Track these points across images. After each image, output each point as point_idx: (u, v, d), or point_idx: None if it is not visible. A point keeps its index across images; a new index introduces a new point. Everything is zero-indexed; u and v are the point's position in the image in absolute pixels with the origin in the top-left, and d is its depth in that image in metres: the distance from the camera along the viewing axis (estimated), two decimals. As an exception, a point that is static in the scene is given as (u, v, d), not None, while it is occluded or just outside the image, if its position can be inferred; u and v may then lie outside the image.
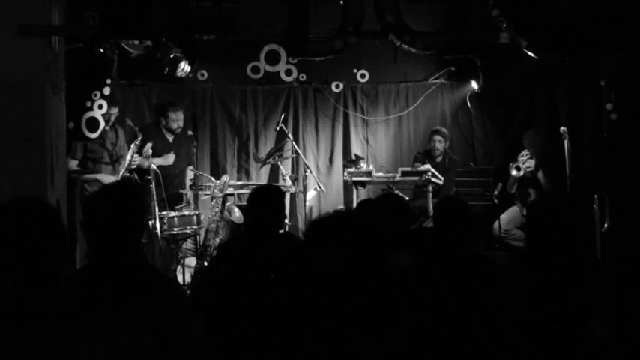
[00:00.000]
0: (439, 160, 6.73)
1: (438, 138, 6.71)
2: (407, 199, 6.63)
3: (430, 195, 6.12)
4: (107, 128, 5.65)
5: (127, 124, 5.92)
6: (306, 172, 6.64)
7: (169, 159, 6.25)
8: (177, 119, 6.34)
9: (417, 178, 6.17)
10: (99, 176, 5.52)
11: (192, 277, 5.73)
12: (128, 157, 5.70)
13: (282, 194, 3.71)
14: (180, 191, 6.37)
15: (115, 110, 5.76)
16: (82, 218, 2.14)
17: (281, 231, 4.08)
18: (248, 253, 3.37)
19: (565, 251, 2.31)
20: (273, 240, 3.45)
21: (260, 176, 7.42)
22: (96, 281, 2.03)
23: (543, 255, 2.35)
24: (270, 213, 3.47)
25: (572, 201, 5.60)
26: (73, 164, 5.42)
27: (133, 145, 5.74)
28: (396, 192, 6.50)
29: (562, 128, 5.84)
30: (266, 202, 3.48)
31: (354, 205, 6.28)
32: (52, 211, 1.73)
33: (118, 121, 5.93)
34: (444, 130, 6.87)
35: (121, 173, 5.60)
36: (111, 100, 5.57)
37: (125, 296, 1.97)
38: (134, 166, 5.76)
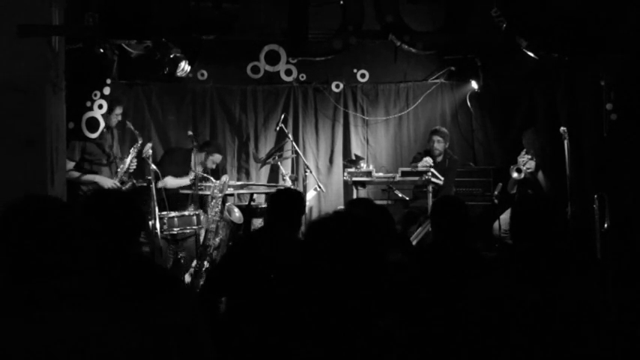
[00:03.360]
0: (439, 159, 6.73)
1: (437, 138, 6.71)
2: (407, 198, 6.64)
3: (430, 195, 6.12)
4: (105, 130, 5.66)
5: (127, 126, 5.92)
6: (306, 172, 6.64)
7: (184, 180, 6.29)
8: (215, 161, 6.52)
9: (417, 178, 6.17)
10: (97, 178, 5.50)
11: (192, 277, 5.73)
12: (128, 160, 5.70)
13: (303, 198, 3.92)
14: (180, 191, 6.37)
15: (120, 110, 5.78)
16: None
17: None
18: (253, 254, 3.38)
19: (546, 247, 2.32)
20: (274, 240, 3.46)
21: (260, 176, 7.42)
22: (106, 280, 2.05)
23: (525, 251, 2.36)
24: (295, 214, 3.64)
25: (563, 200, 5.64)
26: (70, 165, 5.39)
27: (133, 149, 5.74)
28: (396, 191, 6.50)
29: (562, 128, 5.84)
30: (291, 203, 3.63)
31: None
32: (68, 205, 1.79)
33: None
34: (443, 129, 6.86)
35: (120, 176, 5.59)
36: (113, 100, 5.61)
37: (134, 295, 1.99)
38: (132, 170, 5.76)
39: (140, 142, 5.74)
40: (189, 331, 2.03)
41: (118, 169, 5.68)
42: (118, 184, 5.55)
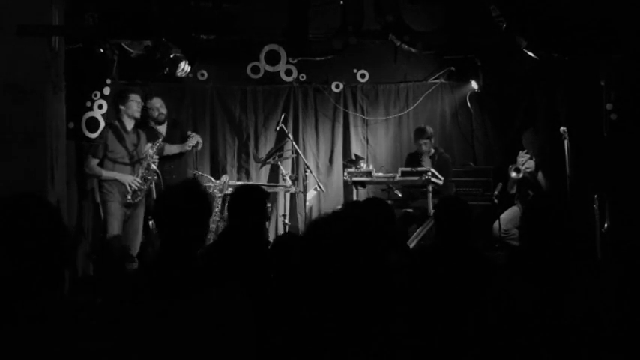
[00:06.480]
0: (430, 157, 6.64)
1: (422, 141, 6.63)
2: (400, 195, 6.59)
3: (430, 195, 6.11)
4: (129, 130, 5.65)
5: (149, 125, 5.93)
6: (306, 172, 6.64)
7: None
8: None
9: (416, 178, 6.15)
10: (117, 175, 5.51)
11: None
12: (148, 158, 5.67)
13: (263, 194, 3.60)
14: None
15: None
16: (159, 213, 2.26)
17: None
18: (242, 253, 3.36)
19: (559, 249, 2.32)
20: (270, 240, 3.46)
21: (260, 176, 7.42)
22: (163, 275, 2.12)
23: (537, 252, 2.35)
24: (250, 213, 3.41)
25: (567, 201, 5.63)
26: (94, 162, 5.47)
27: (154, 145, 5.70)
28: (396, 191, 6.49)
29: (562, 128, 5.83)
30: (246, 202, 3.43)
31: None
32: (52, 209, 1.73)
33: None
34: (427, 130, 6.70)
35: (141, 172, 5.59)
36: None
37: (187, 292, 2.05)
38: (153, 167, 5.74)
39: (161, 139, 5.75)
40: (231, 329, 2.04)
41: (142, 167, 5.65)
42: (140, 180, 5.55)
